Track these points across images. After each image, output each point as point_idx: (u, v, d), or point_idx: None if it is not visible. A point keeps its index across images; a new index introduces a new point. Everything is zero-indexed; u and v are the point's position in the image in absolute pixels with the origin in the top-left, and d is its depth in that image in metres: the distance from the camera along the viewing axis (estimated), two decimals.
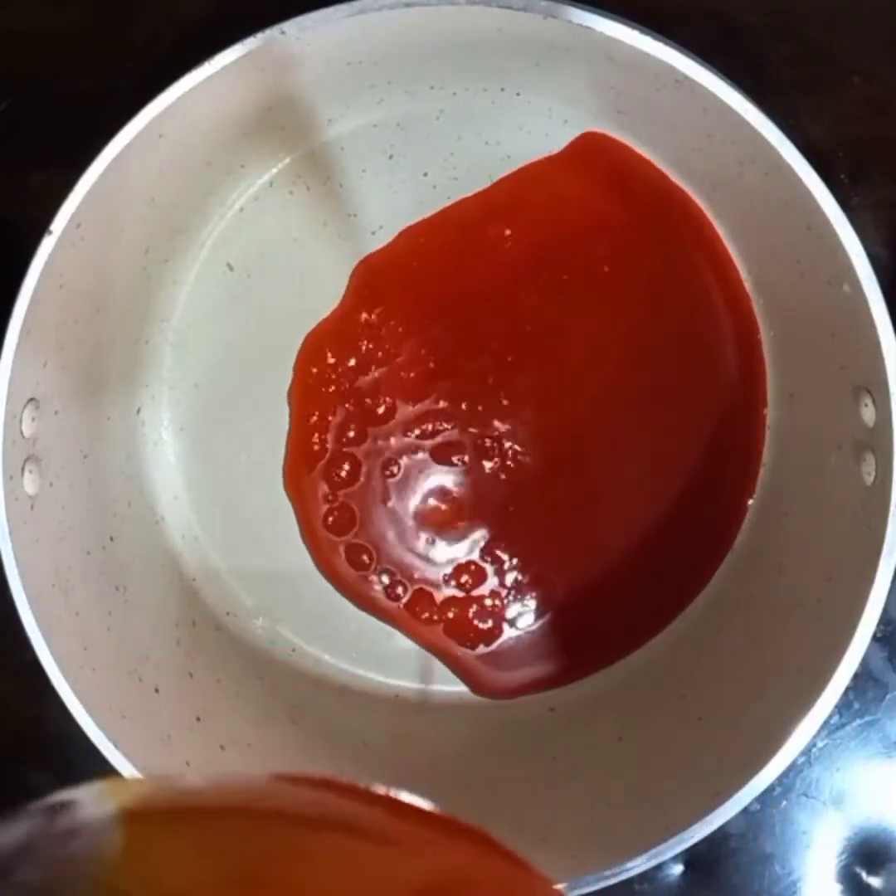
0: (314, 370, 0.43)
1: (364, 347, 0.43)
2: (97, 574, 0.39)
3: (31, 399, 0.36)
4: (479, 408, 0.43)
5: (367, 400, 0.43)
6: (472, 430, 0.43)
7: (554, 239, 0.43)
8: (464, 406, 0.43)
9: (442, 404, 0.43)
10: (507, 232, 0.43)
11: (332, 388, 0.43)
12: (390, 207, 0.43)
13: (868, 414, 0.35)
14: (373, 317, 0.43)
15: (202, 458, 0.44)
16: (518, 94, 0.41)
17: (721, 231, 0.42)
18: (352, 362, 0.43)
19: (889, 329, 0.33)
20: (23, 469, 0.36)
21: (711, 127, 0.36)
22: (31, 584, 0.35)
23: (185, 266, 0.43)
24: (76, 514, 0.39)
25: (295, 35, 0.34)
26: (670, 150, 0.41)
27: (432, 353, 0.43)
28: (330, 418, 0.43)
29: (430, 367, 0.43)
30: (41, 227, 0.34)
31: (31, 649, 0.35)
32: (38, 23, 0.43)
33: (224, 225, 0.43)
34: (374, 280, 0.43)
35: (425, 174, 0.43)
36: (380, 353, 0.43)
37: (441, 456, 0.43)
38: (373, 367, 0.43)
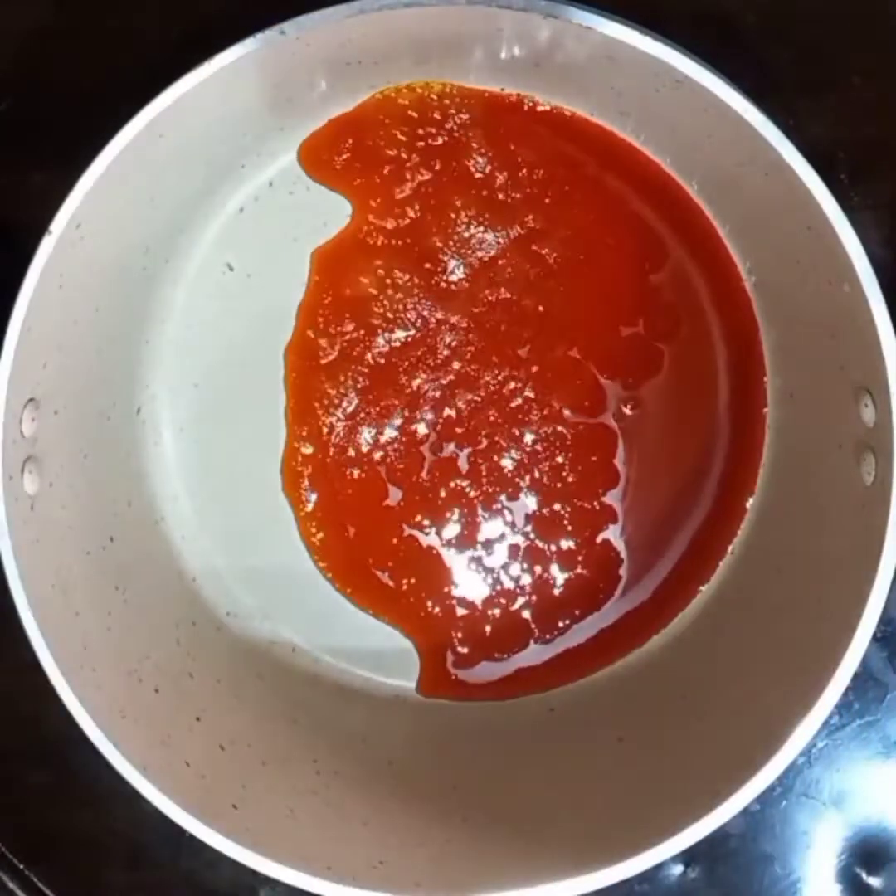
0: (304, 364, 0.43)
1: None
2: (97, 574, 0.39)
3: (31, 399, 0.36)
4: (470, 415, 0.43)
5: (367, 395, 0.43)
6: (458, 429, 0.43)
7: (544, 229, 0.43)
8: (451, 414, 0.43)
9: (448, 413, 0.43)
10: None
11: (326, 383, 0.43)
12: None
13: (868, 414, 0.35)
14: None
15: (202, 458, 0.44)
16: (518, 94, 0.41)
17: (721, 231, 0.42)
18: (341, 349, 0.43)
19: (889, 329, 0.33)
20: (23, 469, 0.36)
21: (711, 127, 0.36)
22: (31, 584, 0.35)
23: (186, 266, 0.43)
24: (76, 514, 0.39)
25: (295, 35, 0.34)
26: (670, 150, 0.41)
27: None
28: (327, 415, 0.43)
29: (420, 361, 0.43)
30: (41, 227, 0.34)
31: (31, 649, 0.35)
32: (38, 23, 0.43)
33: (224, 225, 0.43)
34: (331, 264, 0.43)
35: None
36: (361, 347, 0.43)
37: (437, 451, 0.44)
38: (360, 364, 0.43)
